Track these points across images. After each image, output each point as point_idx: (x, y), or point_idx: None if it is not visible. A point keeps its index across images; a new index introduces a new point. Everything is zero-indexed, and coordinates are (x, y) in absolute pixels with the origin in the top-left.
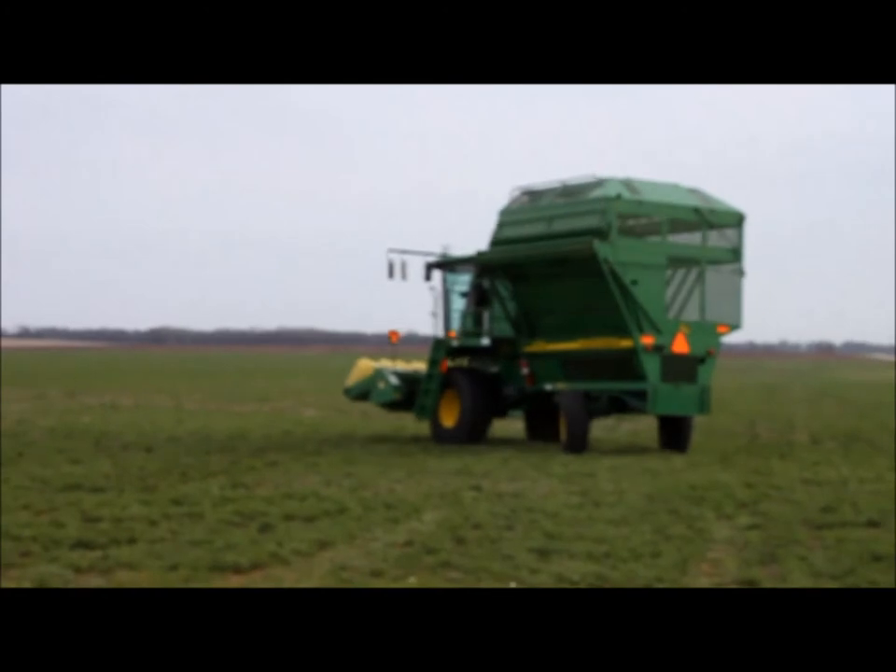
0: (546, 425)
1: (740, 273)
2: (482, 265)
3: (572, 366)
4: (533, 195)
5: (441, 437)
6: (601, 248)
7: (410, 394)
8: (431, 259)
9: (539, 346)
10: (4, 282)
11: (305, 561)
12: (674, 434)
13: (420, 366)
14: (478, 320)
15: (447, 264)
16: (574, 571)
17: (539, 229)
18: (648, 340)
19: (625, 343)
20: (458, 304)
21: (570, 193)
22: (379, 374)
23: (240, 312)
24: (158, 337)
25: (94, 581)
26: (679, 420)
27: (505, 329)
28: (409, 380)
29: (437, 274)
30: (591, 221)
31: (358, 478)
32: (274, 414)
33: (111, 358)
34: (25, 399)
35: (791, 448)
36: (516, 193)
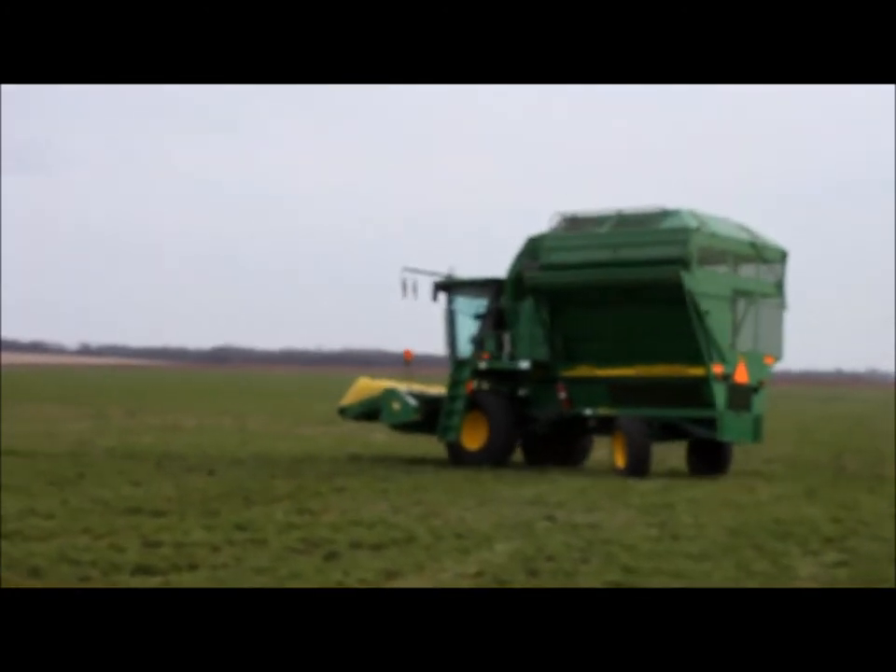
0: (547, 448)
1: (783, 306)
2: (521, 287)
3: (624, 392)
4: (580, 222)
5: (461, 460)
6: (687, 278)
7: (428, 415)
8: (438, 279)
9: (583, 371)
10: (65, 298)
11: None
12: (715, 459)
13: (423, 387)
14: (499, 343)
15: (459, 285)
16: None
17: (601, 255)
18: (718, 369)
19: (695, 371)
20: (467, 327)
21: (638, 222)
22: (392, 395)
23: (304, 331)
24: (221, 356)
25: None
26: (721, 445)
27: (539, 353)
28: (426, 401)
29: (441, 296)
30: (671, 251)
31: (428, 505)
32: (342, 437)
33: (173, 377)
34: (85, 418)
35: (880, 482)
36: (558, 219)
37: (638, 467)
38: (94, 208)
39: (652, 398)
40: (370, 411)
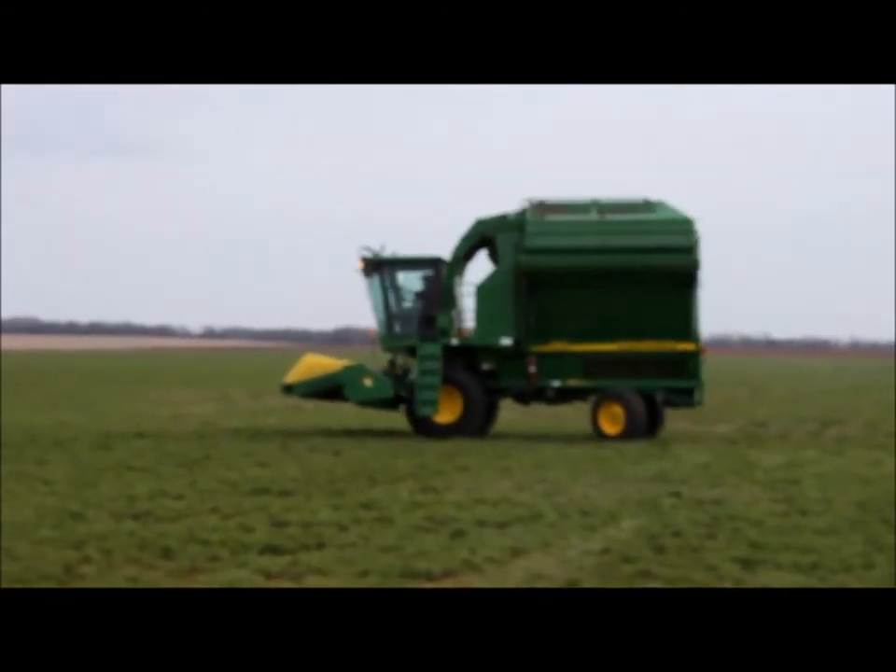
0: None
1: None
2: (523, 270)
3: (599, 365)
4: (560, 209)
5: (433, 432)
6: (697, 264)
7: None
8: (368, 256)
9: (556, 347)
10: (189, 281)
11: (499, 569)
12: (656, 420)
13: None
14: (450, 320)
15: (394, 263)
16: (781, 582)
17: (589, 241)
18: (700, 345)
19: (685, 347)
20: (400, 304)
21: (624, 211)
22: (362, 371)
23: None
24: (343, 337)
25: (285, 587)
26: (659, 411)
27: (507, 331)
28: (393, 377)
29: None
30: (677, 240)
31: (552, 483)
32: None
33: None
34: (209, 401)
35: None
36: (533, 206)
37: (636, 432)
38: (217, 194)
39: (634, 370)
40: (324, 388)
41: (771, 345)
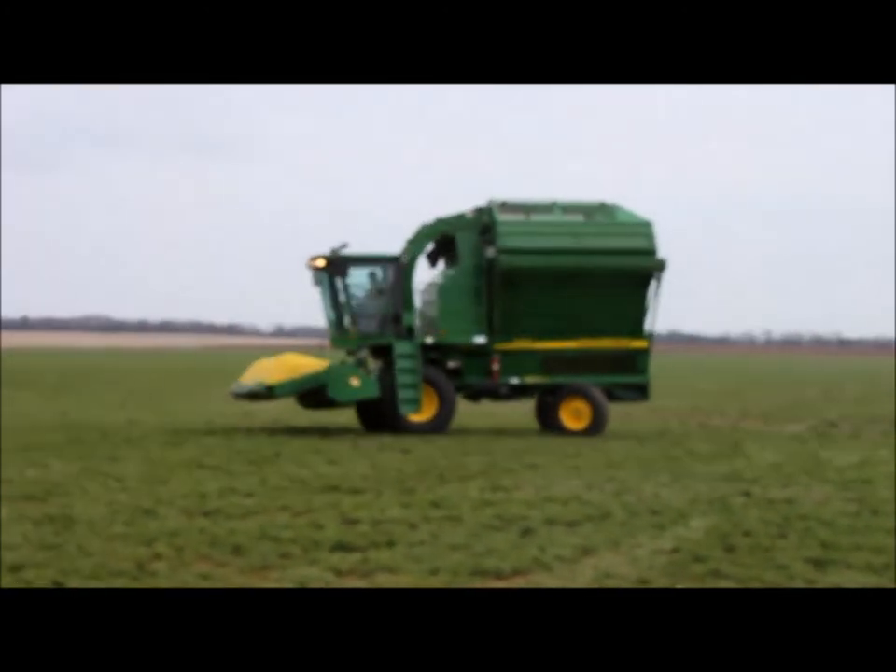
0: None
1: None
2: (501, 269)
3: (558, 362)
4: (522, 209)
5: (406, 429)
6: (663, 265)
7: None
8: (332, 253)
9: (519, 345)
10: (257, 279)
11: (568, 567)
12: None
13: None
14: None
15: (354, 261)
16: (853, 582)
17: (562, 242)
18: (650, 342)
19: (638, 344)
20: (354, 301)
21: (585, 212)
22: (350, 370)
23: None
24: None
25: (355, 585)
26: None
27: (470, 328)
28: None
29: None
30: (639, 242)
31: (621, 481)
32: (530, 414)
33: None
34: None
35: None
36: (496, 206)
37: (601, 426)
38: (285, 194)
39: (592, 367)
40: (307, 388)
41: (843, 345)
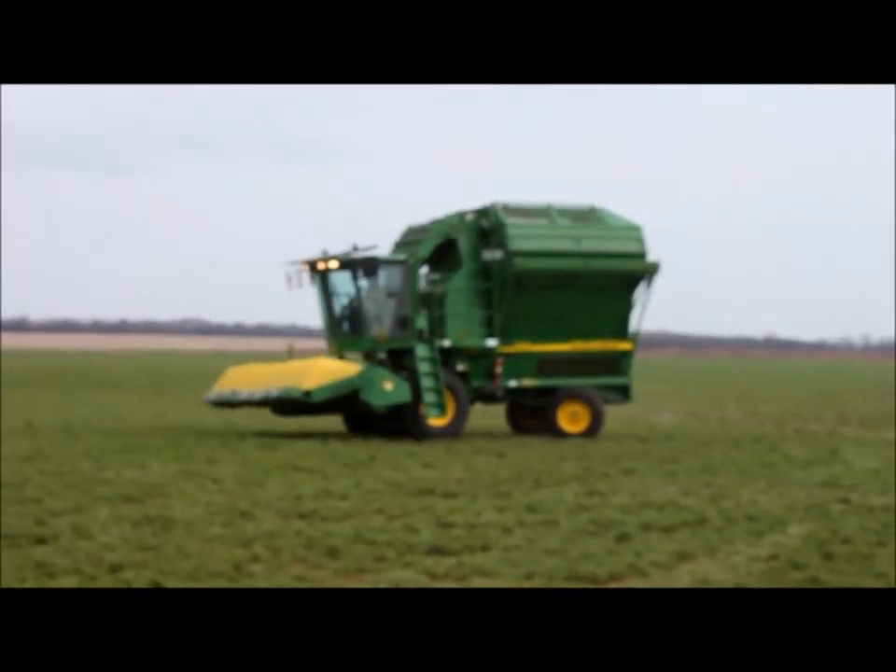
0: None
1: None
2: (515, 272)
3: (551, 365)
4: (521, 212)
5: (425, 434)
6: (657, 268)
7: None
8: (346, 256)
9: (520, 348)
10: None
11: (665, 573)
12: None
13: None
14: (406, 322)
15: (367, 264)
16: None
17: (565, 245)
18: (634, 344)
19: (623, 346)
20: (367, 304)
21: (578, 216)
22: (382, 374)
23: None
24: None
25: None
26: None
27: (477, 332)
28: None
29: (304, 276)
30: (632, 246)
31: (718, 487)
32: (628, 420)
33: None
34: None
35: None
36: (500, 208)
37: (598, 429)
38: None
39: (581, 370)
40: (343, 393)
41: None
